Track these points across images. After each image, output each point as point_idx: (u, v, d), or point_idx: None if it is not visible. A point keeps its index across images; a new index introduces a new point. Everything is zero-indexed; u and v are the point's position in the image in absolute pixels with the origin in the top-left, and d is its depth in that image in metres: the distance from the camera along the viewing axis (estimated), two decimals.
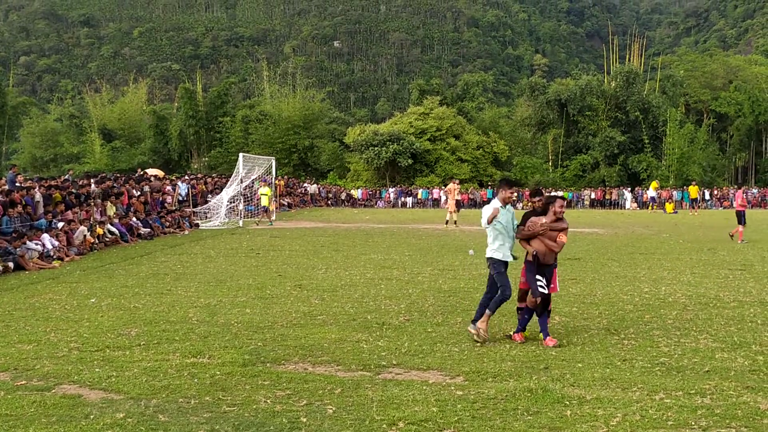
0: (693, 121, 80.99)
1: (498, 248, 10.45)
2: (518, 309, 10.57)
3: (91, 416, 6.82)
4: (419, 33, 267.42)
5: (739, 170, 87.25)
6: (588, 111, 77.33)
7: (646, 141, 73.89)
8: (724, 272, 17.33)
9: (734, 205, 29.50)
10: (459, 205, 35.79)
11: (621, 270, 17.77)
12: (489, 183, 71.42)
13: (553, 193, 11.93)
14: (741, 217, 26.71)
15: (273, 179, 43.11)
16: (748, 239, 26.46)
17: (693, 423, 6.64)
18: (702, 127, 78.66)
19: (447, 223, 35.07)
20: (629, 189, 67.80)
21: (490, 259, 10.52)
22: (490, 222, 10.26)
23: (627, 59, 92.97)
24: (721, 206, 65.09)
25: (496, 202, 10.34)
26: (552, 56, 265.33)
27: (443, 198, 65.23)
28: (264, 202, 36.86)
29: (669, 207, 57.52)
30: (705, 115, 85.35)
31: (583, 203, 66.47)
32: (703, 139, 76.35)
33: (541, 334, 10.11)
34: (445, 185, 48.91)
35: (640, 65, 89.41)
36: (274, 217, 37.03)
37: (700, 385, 7.83)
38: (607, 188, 69.65)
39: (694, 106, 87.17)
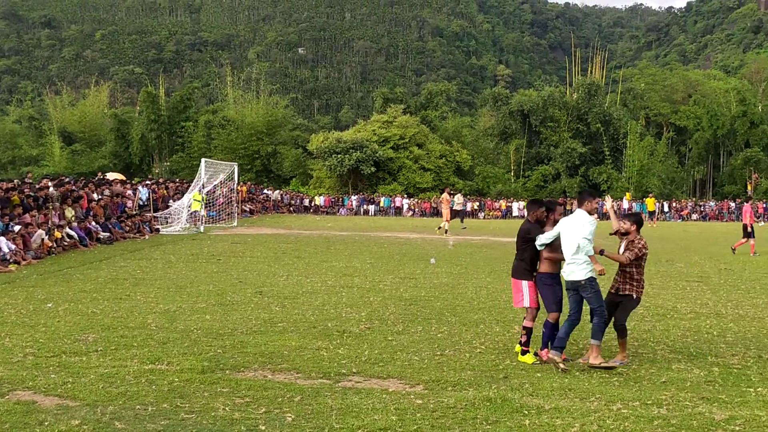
0: (653, 133, 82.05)
1: (591, 266, 9.38)
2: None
3: (46, 423, 6.73)
4: (384, 41, 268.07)
5: (697, 183, 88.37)
6: (550, 122, 77.92)
7: (607, 153, 74.62)
8: (682, 284, 17.52)
9: (742, 219, 29.58)
10: (464, 213, 36.14)
11: None
12: (451, 192, 71.55)
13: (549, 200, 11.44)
14: (749, 231, 26.95)
15: (235, 185, 42.89)
16: (741, 252, 26.73)
17: None
18: (661, 140, 79.74)
19: (439, 228, 36.13)
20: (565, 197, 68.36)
21: (588, 280, 9.33)
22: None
23: (589, 71, 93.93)
24: (679, 218, 65.86)
25: (588, 216, 9.50)
26: (515, 67, 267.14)
27: (405, 206, 65.41)
28: (195, 207, 36.01)
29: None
30: (665, 128, 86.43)
31: None
32: (662, 152, 77.41)
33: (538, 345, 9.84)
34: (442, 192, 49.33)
35: (602, 78, 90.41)
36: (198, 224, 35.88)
37: (657, 395, 7.91)
38: (568, 199, 70.08)
39: (654, 119, 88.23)
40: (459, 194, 38.41)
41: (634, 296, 9.73)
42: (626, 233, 9.84)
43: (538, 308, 9.84)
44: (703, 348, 10.41)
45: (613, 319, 9.69)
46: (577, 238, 9.27)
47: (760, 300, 15.13)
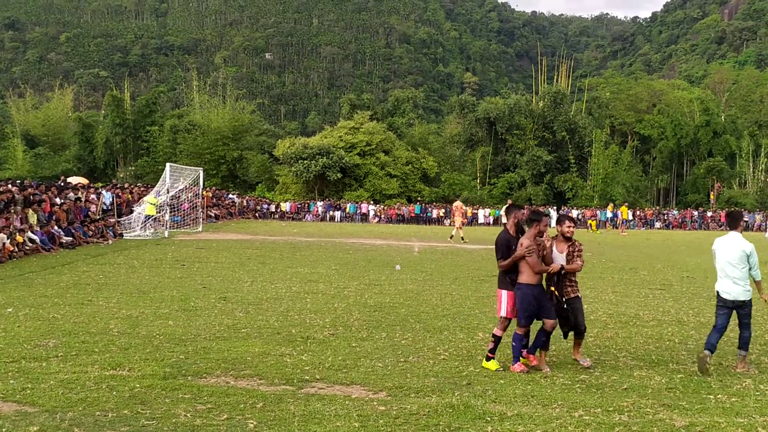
0: (618, 142, 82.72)
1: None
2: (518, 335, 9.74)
3: (4, 429, 6.64)
4: (351, 48, 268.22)
5: (661, 192, 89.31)
6: (516, 130, 78.26)
7: (572, 161, 75.13)
8: (645, 291, 17.67)
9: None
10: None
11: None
12: (417, 198, 71.78)
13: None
14: None
15: (200, 190, 42.65)
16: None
17: None
18: (626, 149, 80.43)
19: (452, 237, 37.15)
20: (555, 208, 68.78)
21: (750, 300, 9.81)
22: None
23: (555, 80, 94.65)
24: (643, 227, 66.44)
25: (738, 234, 10.09)
26: (482, 75, 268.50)
27: (371, 213, 65.38)
28: (149, 211, 35.55)
29: (594, 225, 58.39)
30: (629, 137, 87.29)
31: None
32: (626, 161, 78.07)
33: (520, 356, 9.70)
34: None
35: (568, 86, 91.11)
36: (161, 229, 35.57)
37: (619, 402, 7.96)
38: (534, 207, 70.41)
39: (619, 128, 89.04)
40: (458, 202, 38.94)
41: (579, 296, 10.02)
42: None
43: (511, 319, 9.74)
44: (664, 355, 10.51)
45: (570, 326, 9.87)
46: (752, 259, 9.80)
47: None
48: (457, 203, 39.76)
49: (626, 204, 60.54)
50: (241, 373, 8.92)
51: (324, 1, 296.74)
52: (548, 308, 9.62)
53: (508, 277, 9.72)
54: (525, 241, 9.51)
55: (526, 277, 9.54)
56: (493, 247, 9.99)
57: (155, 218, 35.91)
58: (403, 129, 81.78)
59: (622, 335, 11.98)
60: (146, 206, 35.28)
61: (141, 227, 34.80)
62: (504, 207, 10.78)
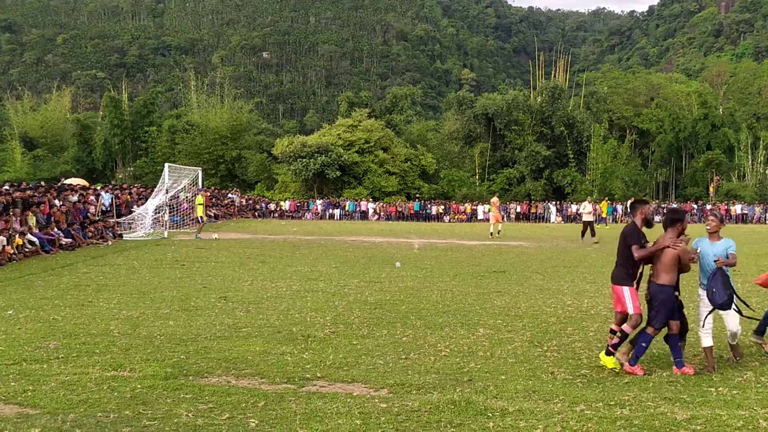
0: (616, 136, 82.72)
1: None
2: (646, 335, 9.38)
3: (6, 431, 6.65)
4: (348, 45, 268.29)
5: (660, 185, 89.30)
6: (514, 125, 78.21)
7: (571, 156, 75.11)
8: (645, 285, 17.63)
9: None
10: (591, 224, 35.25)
11: (545, 283, 17.99)
12: (416, 195, 71.82)
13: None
14: None
15: (199, 190, 42.65)
16: None
17: None
18: (624, 143, 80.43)
19: (492, 234, 37.54)
20: (554, 203, 68.80)
21: None
22: None
23: (553, 75, 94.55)
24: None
25: None
26: (480, 71, 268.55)
27: (371, 210, 65.40)
28: (199, 212, 35.46)
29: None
30: (627, 131, 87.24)
31: (509, 216, 67.16)
32: (625, 155, 78.10)
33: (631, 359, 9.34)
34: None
35: (566, 81, 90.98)
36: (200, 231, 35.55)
37: (620, 396, 7.95)
38: (533, 202, 70.50)
39: (617, 122, 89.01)
40: (587, 203, 37.59)
41: None
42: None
43: (642, 315, 9.41)
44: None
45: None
46: None
47: None
48: (494, 199, 40.19)
49: (606, 199, 60.21)
50: (243, 372, 8.91)
51: None
52: (677, 310, 9.37)
53: (629, 272, 9.48)
54: (667, 240, 9.25)
55: (667, 278, 9.23)
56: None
57: (156, 219, 35.93)
58: (401, 126, 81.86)
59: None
60: (196, 207, 35.33)
61: (152, 226, 35.01)
62: (629, 202, 10.63)
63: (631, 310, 9.34)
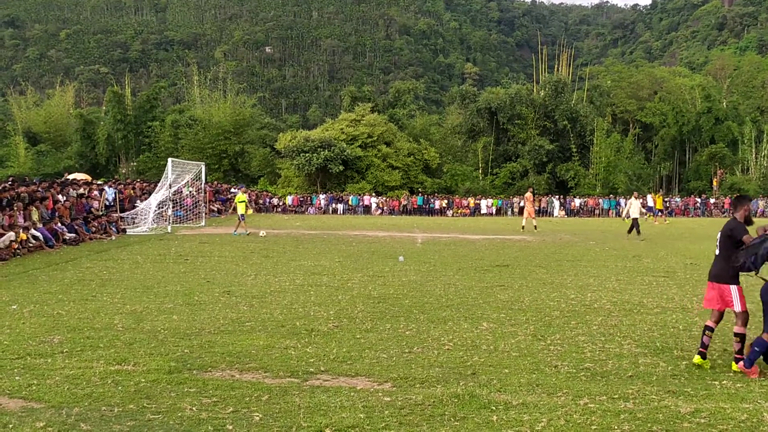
0: (619, 130, 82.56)
1: None
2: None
3: (10, 426, 6.65)
4: (351, 40, 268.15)
5: (663, 179, 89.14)
6: (517, 119, 78.14)
7: (574, 150, 75.00)
8: (648, 279, 17.65)
9: None
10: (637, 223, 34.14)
11: (548, 277, 17.99)
12: (419, 190, 71.81)
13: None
14: None
15: (203, 184, 42.68)
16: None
17: (616, 427, 6.75)
18: (628, 137, 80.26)
19: (524, 228, 38.70)
20: (557, 197, 68.75)
21: None
22: None
23: (556, 69, 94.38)
24: (645, 214, 66.31)
25: None
26: (483, 65, 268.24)
27: (374, 205, 65.41)
28: (241, 209, 33.97)
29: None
30: (631, 125, 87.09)
31: (512, 210, 67.14)
32: (629, 149, 77.96)
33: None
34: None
35: (569, 75, 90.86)
36: (241, 228, 33.57)
37: (624, 389, 7.96)
38: (536, 196, 70.41)
39: (621, 116, 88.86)
40: (634, 198, 35.99)
41: None
42: None
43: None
44: (669, 342, 10.50)
45: None
46: None
47: None
48: (528, 194, 40.93)
49: (660, 193, 59.40)
50: (246, 366, 8.92)
51: None
52: None
53: (732, 270, 9.20)
54: None
55: None
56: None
57: (159, 213, 35.95)
58: (404, 120, 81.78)
59: (626, 323, 11.96)
60: (237, 205, 34.43)
61: (156, 221, 34.85)
62: (733, 197, 10.40)
63: (738, 308, 9.11)
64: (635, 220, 33.99)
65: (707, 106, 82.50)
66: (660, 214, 54.13)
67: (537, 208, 66.64)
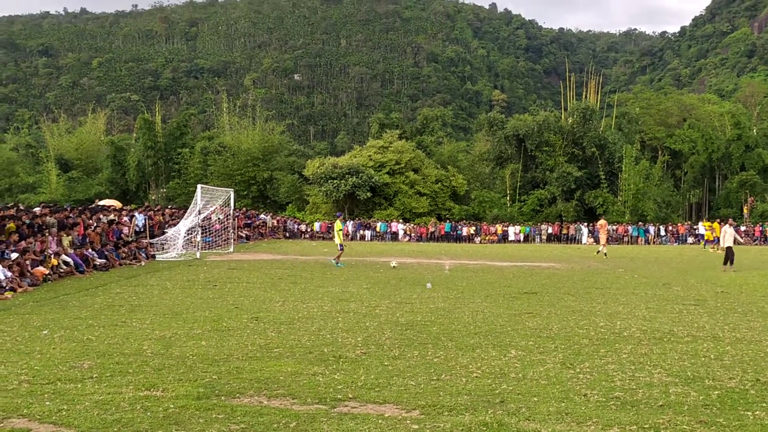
0: (648, 157, 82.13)
1: None
2: None
3: None
4: (379, 67, 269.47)
5: (693, 207, 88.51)
6: (545, 146, 78.07)
7: (602, 177, 74.76)
8: (678, 307, 17.49)
9: None
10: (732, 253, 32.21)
11: (577, 304, 17.88)
12: (447, 216, 71.75)
13: None
14: None
15: (231, 211, 42.91)
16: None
17: None
18: (657, 164, 79.82)
19: (598, 252, 41.30)
20: (586, 224, 68.43)
21: None
22: None
23: (584, 96, 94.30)
24: (675, 242, 65.87)
25: None
26: (510, 92, 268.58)
27: (401, 232, 65.40)
28: (338, 239, 33.00)
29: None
30: (660, 152, 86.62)
31: (540, 238, 66.90)
32: (657, 176, 77.51)
33: None
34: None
35: (597, 102, 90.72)
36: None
37: (654, 419, 7.88)
38: (564, 223, 70.17)
39: (649, 143, 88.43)
40: (728, 226, 33.07)
41: None
42: None
43: None
44: (700, 371, 10.38)
45: None
46: None
47: (757, 323, 15.08)
48: (602, 221, 43.06)
49: (719, 221, 57.85)
50: (274, 392, 8.92)
51: (352, 21, 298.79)
52: None
53: None
54: None
55: None
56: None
57: (188, 239, 36.16)
58: (432, 147, 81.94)
59: (656, 351, 11.85)
60: (336, 234, 33.55)
61: (185, 247, 34.91)
62: None
63: None
64: (729, 248, 31.46)
65: (737, 133, 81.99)
66: (718, 242, 52.94)
67: (565, 234, 66.54)
